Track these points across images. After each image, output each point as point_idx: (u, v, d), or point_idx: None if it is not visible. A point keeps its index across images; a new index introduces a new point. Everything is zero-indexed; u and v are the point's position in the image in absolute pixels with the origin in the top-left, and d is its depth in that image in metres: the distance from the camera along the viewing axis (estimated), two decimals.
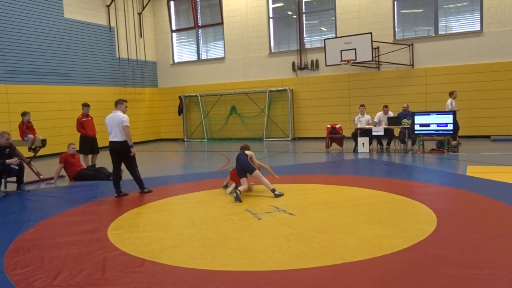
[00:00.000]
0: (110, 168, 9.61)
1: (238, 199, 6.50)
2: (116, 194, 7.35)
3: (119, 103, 7.55)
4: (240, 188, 6.73)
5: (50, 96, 14.66)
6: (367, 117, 12.55)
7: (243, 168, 6.98)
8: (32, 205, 7.19)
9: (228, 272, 3.80)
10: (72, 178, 9.44)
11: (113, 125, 7.28)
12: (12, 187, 8.52)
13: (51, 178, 9.42)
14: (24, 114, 10.09)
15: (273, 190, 6.76)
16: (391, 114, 12.34)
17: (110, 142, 7.34)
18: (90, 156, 10.51)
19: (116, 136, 7.27)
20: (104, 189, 8.14)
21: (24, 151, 10.09)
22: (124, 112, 7.43)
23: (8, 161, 7.90)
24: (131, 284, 3.60)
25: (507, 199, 5.83)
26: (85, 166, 9.99)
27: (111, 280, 3.71)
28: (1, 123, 12.82)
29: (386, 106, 12.42)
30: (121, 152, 7.33)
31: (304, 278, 3.57)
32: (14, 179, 8.38)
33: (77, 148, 9.96)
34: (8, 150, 8.09)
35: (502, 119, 13.82)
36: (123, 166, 7.55)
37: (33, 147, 9.91)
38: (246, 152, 7.23)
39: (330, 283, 3.46)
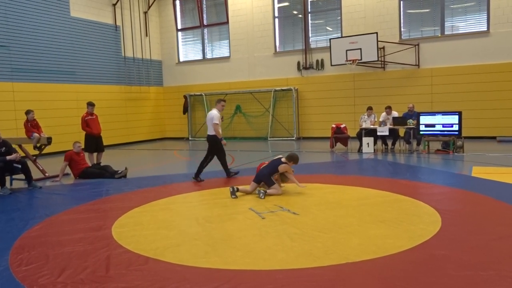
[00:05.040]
0: (114, 166, 9.73)
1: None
2: (194, 177, 8.39)
3: (216, 102, 8.75)
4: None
5: (56, 94, 14.74)
6: (372, 116, 12.53)
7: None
8: (37, 203, 7.23)
9: (232, 270, 3.80)
10: (77, 176, 9.47)
11: (208, 120, 8.56)
12: (18, 184, 8.59)
13: (56, 176, 9.46)
14: (28, 112, 10.06)
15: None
16: (395, 114, 12.30)
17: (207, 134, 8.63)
18: (95, 154, 10.56)
19: (209, 131, 8.53)
20: (109, 187, 8.16)
21: (30, 149, 10.16)
22: (220, 111, 8.60)
23: (8, 157, 7.87)
24: (135, 282, 3.61)
25: None
26: (90, 164, 10.04)
27: (115, 278, 3.72)
28: (7, 121, 12.91)
29: (388, 107, 12.36)
30: (210, 144, 8.53)
31: (307, 278, 3.57)
32: (22, 176, 8.39)
33: (83, 146, 10.00)
34: (4, 148, 8.05)
35: (509, 120, 13.72)
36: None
37: (38, 145, 9.96)
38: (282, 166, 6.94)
39: (333, 283, 3.45)
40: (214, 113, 8.49)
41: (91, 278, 3.73)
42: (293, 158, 6.93)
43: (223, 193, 7.13)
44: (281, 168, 6.90)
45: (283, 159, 6.98)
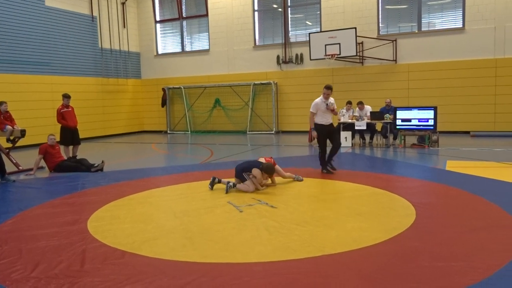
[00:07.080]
0: (91, 159, 9.58)
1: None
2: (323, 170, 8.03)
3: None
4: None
5: (30, 86, 14.38)
6: (351, 111, 12.66)
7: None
8: (10, 196, 7.06)
9: (209, 264, 3.80)
10: (52, 169, 9.29)
11: None
12: None
13: (31, 169, 9.26)
14: (0, 103, 9.82)
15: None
16: (369, 108, 12.42)
17: None
18: (71, 147, 10.37)
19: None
20: (85, 181, 8.02)
21: (3, 142, 9.90)
22: (325, 98, 7.87)
23: None
24: (111, 276, 3.57)
25: (485, 194, 5.95)
26: (65, 157, 9.86)
27: (90, 272, 3.67)
28: None
29: (360, 103, 12.49)
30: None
31: (284, 270, 3.59)
32: None
33: (58, 139, 9.80)
34: None
35: (482, 115, 14.08)
36: None
37: (11, 137, 9.71)
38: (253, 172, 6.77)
39: (310, 275, 3.49)
40: (315, 100, 7.99)
41: (66, 272, 3.67)
42: (263, 168, 6.75)
43: (201, 186, 7.11)
44: (254, 171, 6.72)
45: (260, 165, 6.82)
